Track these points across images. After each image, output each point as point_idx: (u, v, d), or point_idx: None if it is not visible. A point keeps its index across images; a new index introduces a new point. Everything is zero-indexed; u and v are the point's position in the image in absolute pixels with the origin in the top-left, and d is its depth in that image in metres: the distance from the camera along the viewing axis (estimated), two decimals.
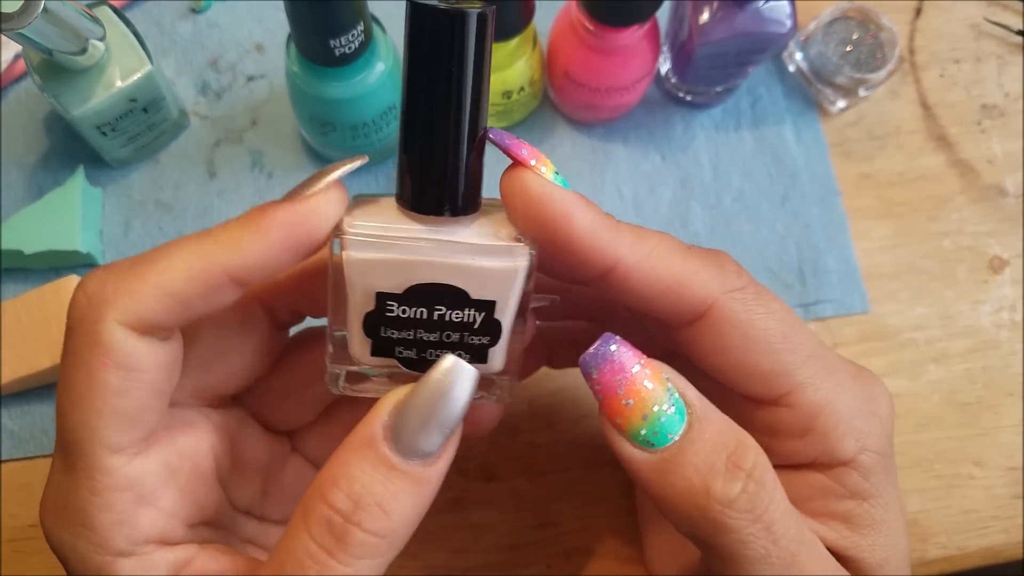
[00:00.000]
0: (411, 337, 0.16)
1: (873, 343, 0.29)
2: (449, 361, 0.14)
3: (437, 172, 0.15)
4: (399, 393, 0.15)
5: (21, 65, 0.30)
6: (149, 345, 0.15)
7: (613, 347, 0.14)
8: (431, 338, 0.16)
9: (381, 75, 0.25)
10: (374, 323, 0.16)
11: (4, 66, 0.29)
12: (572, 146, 0.30)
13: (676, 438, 0.14)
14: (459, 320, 0.16)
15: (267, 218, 0.15)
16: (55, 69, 0.25)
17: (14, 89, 0.30)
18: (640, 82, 0.28)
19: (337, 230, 0.15)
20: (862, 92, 0.31)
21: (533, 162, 0.15)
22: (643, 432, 0.15)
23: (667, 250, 0.16)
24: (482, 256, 0.15)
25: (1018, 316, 0.30)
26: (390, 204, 0.16)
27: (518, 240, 0.16)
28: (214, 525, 0.18)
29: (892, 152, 0.31)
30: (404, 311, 0.16)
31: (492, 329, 0.16)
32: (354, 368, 0.17)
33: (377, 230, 0.15)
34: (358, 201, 0.16)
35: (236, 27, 0.31)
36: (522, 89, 0.28)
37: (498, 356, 0.16)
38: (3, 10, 0.21)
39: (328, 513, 0.14)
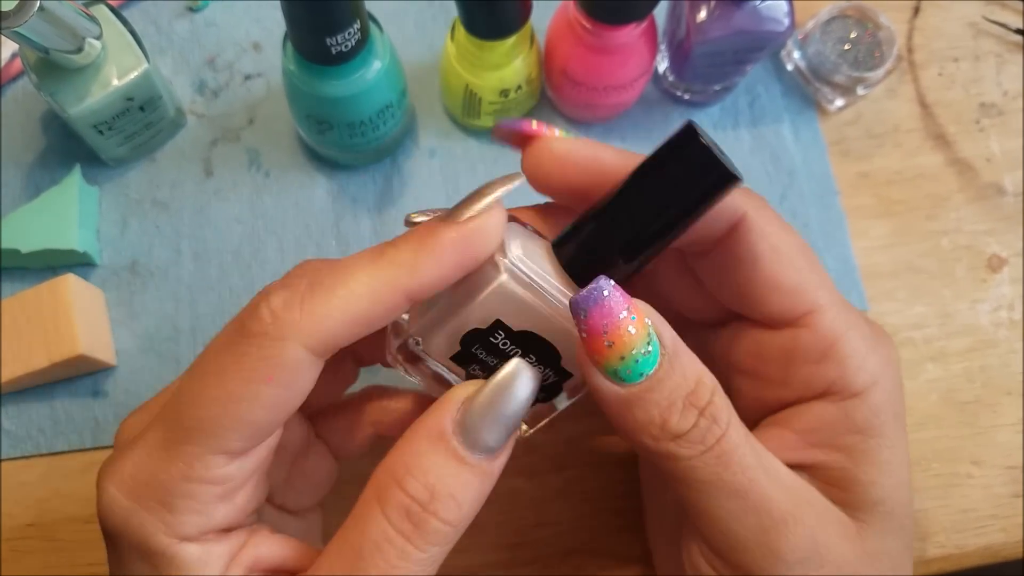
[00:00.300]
0: (492, 363, 0.17)
1: None
2: (514, 364, 0.16)
3: (609, 265, 0.16)
4: (467, 390, 0.16)
5: (18, 64, 0.30)
6: (315, 368, 0.15)
7: (606, 292, 0.15)
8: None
9: (377, 73, 0.25)
10: (474, 339, 0.17)
11: (1, 65, 0.29)
12: None
13: (646, 376, 0.15)
14: (538, 369, 0.17)
15: (440, 241, 0.15)
16: (52, 68, 0.25)
17: (11, 88, 0.30)
18: (638, 81, 0.28)
19: (500, 251, 0.16)
20: (860, 91, 0.31)
21: (545, 130, 0.17)
22: (618, 369, 0.15)
23: None
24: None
25: (1016, 315, 0.30)
26: (547, 249, 0.17)
27: None
28: (259, 510, 0.18)
29: (890, 151, 0.31)
30: (504, 344, 0.17)
31: (553, 391, 0.18)
32: (421, 355, 0.18)
33: (537, 276, 0.16)
34: (514, 226, 0.17)
35: (233, 26, 0.31)
36: (519, 87, 0.28)
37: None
38: (0, 8, 0.21)
39: (406, 501, 0.15)
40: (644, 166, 0.16)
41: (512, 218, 0.17)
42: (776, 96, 0.31)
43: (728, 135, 0.31)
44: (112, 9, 0.26)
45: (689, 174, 0.15)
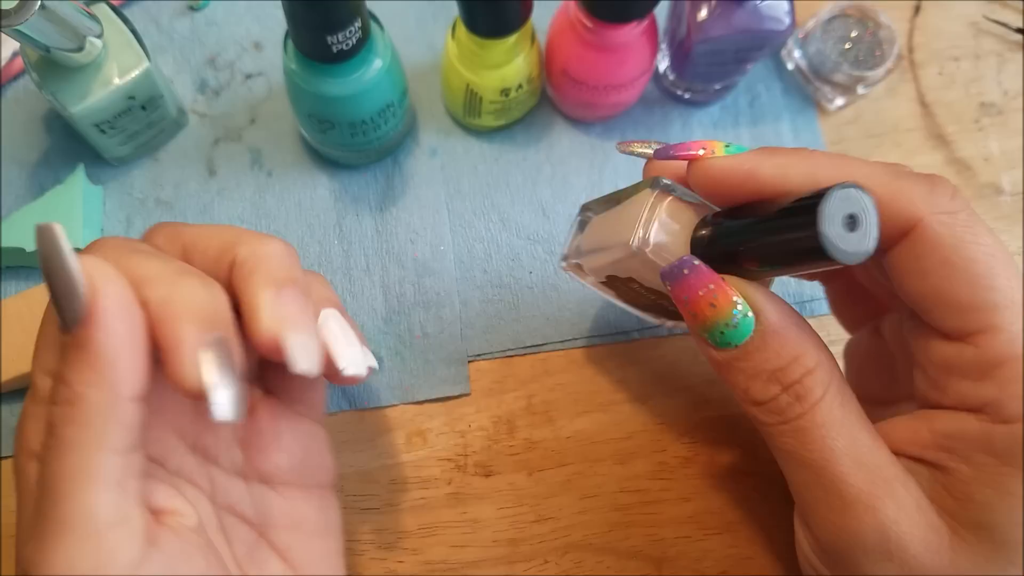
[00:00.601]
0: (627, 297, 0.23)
1: None
2: None
3: (712, 260, 0.18)
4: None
5: (19, 63, 0.30)
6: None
7: (686, 270, 0.17)
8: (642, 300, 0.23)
9: (379, 72, 0.25)
10: (615, 281, 0.22)
11: (2, 63, 0.29)
12: (570, 144, 0.31)
13: (736, 346, 0.17)
14: (672, 309, 0.21)
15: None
16: (53, 66, 0.25)
17: (13, 87, 0.30)
18: (638, 80, 0.28)
19: (643, 226, 0.20)
20: (860, 90, 0.31)
21: (702, 151, 0.18)
22: (706, 336, 0.18)
23: (872, 171, 0.17)
24: None
25: None
26: (686, 221, 0.20)
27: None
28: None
29: (890, 150, 0.32)
30: (639, 288, 0.22)
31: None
32: (582, 273, 0.23)
33: (660, 255, 0.19)
34: (666, 199, 0.20)
35: (234, 25, 0.31)
36: (520, 87, 0.28)
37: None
38: (1, 7, 0.21)
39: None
40: (777, 210, 0.17)
41: (667, 186, 0.20)
42: (776, 95, 0.32)
43: (728, 134, 0.31)
44: (113, 8, 0.26)
45: (794, 241, 0.16)
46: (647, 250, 0.19)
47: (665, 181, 0.20)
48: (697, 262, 0.16)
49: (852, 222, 0.15)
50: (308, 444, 0.21)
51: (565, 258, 0.24)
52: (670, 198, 0.20)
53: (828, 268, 0.16)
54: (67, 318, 0.15)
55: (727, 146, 0.18)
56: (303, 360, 0.17)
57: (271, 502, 0.21)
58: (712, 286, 0.17)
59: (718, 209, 0.19)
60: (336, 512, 0.22)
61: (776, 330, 0.17)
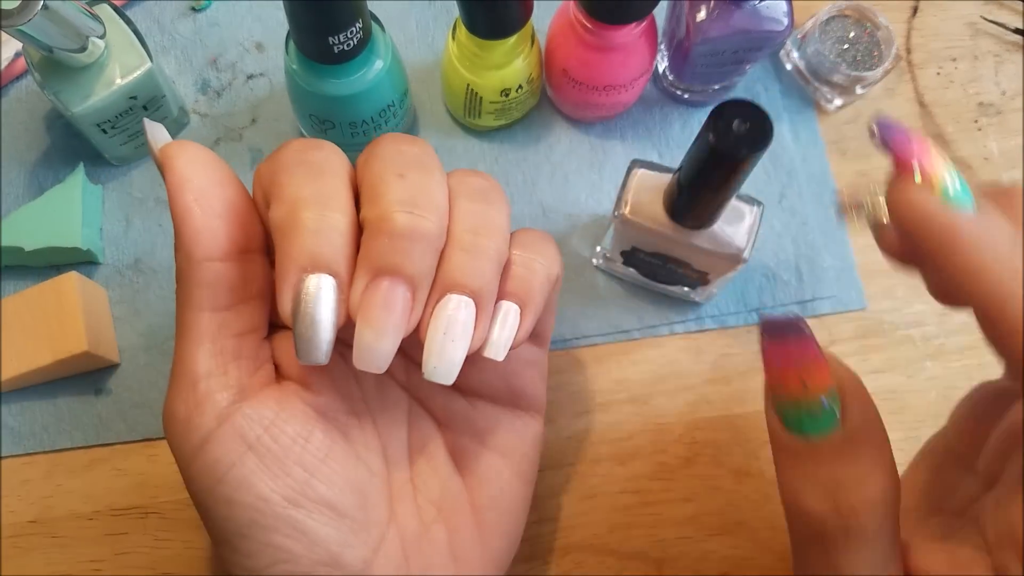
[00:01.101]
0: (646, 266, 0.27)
1: (870, 340, 0.29)
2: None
3: (699, 212, 0.24)
4: None
5: (21, 63, 0.30)
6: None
7: (789, 332, 0.14)
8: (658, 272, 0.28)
9: (379, 72, 0.25)
10: (626, 255, 0.27)
11: (5, 64, 0.29)
12: (570, 144, 0.31)
13: (808, 437, 0.14)
14: (680, 272, 0.27)
15: None
16: (55, 67, 0.25)
17: (15, 87, 0.30)
18: (638, 80, 0.28)
19: (622, 204, 0.25)
20: (859, 90, 0.31)
21: (917, 170, 0.14)
22: (781, 412, 0.14)
23: None
24: (697, 252, 0.25)
25: None
26: (660, 204, 0.24)
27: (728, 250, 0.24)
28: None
29: None
30: (645, 257, 0.27)
31: (701, 283, 0.27)
32: (609, 259, 0.28)
33: (645, 219, 0.25)
34: (642, 173, 0.25)
35: (236, 25, 0.31)
36: (520, 87, 0.28)
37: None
38: (3, 7, 0.21)
39: None
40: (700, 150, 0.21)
41: (644, 163, 0.24)
42: (775, 95, 0.32)
43: None
44: (115, 8, 0.26)
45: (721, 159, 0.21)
46: (626, 212, 0.24)
47: (639, 159, 0.25)
48: (807, 330, 0.13)
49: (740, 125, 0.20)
50: (514, 368, 0.21)
51: (598, 254, 0.28)
52: (642, 170, 0.25)
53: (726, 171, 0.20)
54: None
55: (948, 181, 0.13)
56: (359, 359, 0.17)
57: (456, 405, 0.21)
58: (811, 362, 0.13)
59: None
60: (529, 440, 0.22)
61: (855, 439, 0.14)
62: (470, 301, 0.17)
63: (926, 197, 0.13)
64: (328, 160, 0.17)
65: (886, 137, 0.14)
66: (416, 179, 0.17)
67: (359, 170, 0.18)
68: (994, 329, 0.13)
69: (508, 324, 0.18)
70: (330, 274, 0.16)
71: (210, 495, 0.17)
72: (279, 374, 0.19)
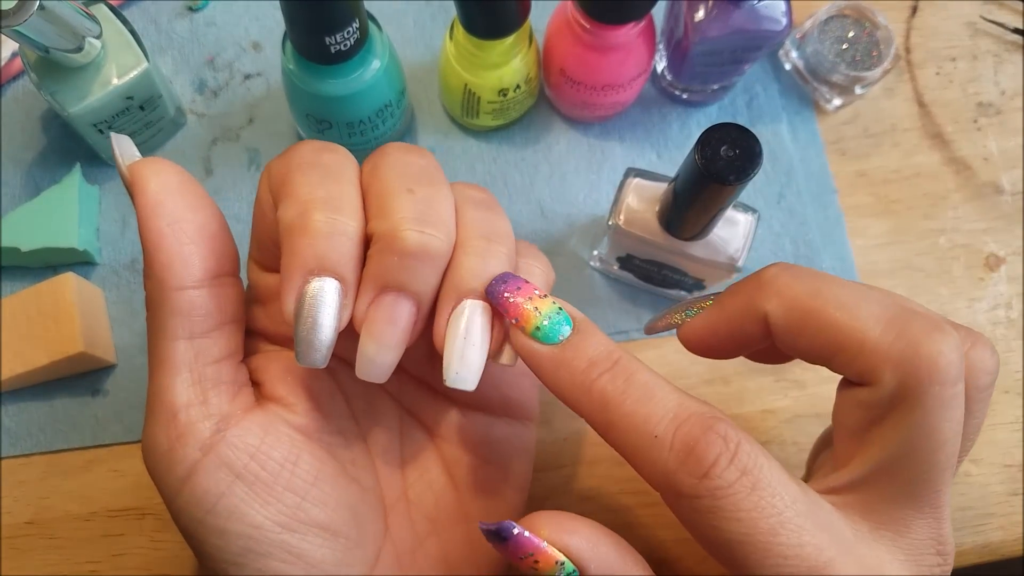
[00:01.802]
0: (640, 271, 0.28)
1: None
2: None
3: (690, 226, 0.24)
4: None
5: (18, 63, 0.30)
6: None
7: (506, 536, 0.16)
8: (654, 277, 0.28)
9: (376, 72, 0.25)
10: (622, 260, 0.27)
11: (1, 64, 0.29)
12: (568, 144, 0.31)
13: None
14: (676, 278, 0.27)
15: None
16: (52, 67, 0.25)
17: (11, 87, 0.30)
18: (636, 80, 0.28)
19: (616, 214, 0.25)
20: (858, 90, 0.31)
21: (516, 319, 0.17)
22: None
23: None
24: (691, 260, 0.25)
25: (1014, 313, 0.30)
26: (654, 214, 0.25)
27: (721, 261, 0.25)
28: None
29: (888, 150, 0.32)
30: (640, 263, 0.27)
31: (698, 288, 0.28)
32: (606, 264, 0.29)
33: (637, 227, 0.25)
34: (638, 183, 0.25)
35: (233, 25, 0.31)
36: (518, 87, 0.28)
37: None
38: (0, 7, 0.21)
39: None
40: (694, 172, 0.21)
41: (639, 172, 0.25)
42: (774, 95, 0.32)
43: None
44: (112, 8, 0.26)
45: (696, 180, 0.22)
46: (620, 222, 0.25)
47: (634, 168, 0.25)
48: (517, 530, 0.16)
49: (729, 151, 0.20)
50: (508, 378, 0.21)
51: (596, 257, 0.28)
52: (637, 179, 0.25)
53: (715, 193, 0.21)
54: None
55: (546, 319, 0.17)
56: (361, 370, 0.17)
57: (451, 418, 0.21)
58: (532, 552, 0.16)
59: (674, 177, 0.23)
60: (521, 448, 0.22)
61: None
62: (485, 306, 0.18)
63: (518, 336, 0.17)
64: (341, 164, 0.18)
65: (490, 295, 0.17)
66: (425, 194, 0.17)
67: (365, 178, 0.18)
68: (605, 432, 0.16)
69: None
70: (336, 278, 0.16)
71: (201, 526, 0.17)
72: (261, 394, 0.19)
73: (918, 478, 0.16)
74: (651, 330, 0.20)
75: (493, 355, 0.18)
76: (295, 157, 0.17)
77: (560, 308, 0.17)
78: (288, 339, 0.20)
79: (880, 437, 0.16)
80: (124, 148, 0.17)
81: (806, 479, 0.19)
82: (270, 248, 0.18)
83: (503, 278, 0.17)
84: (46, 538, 0.26)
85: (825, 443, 0.20)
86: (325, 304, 0.16)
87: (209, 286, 0.17)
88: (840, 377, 0.17)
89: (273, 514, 0.17)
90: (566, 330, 0.16)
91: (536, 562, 0.16)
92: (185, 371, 0.17)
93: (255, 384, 0.19)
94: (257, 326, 0.20)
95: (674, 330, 0.19)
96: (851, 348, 0.16)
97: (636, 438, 0.15)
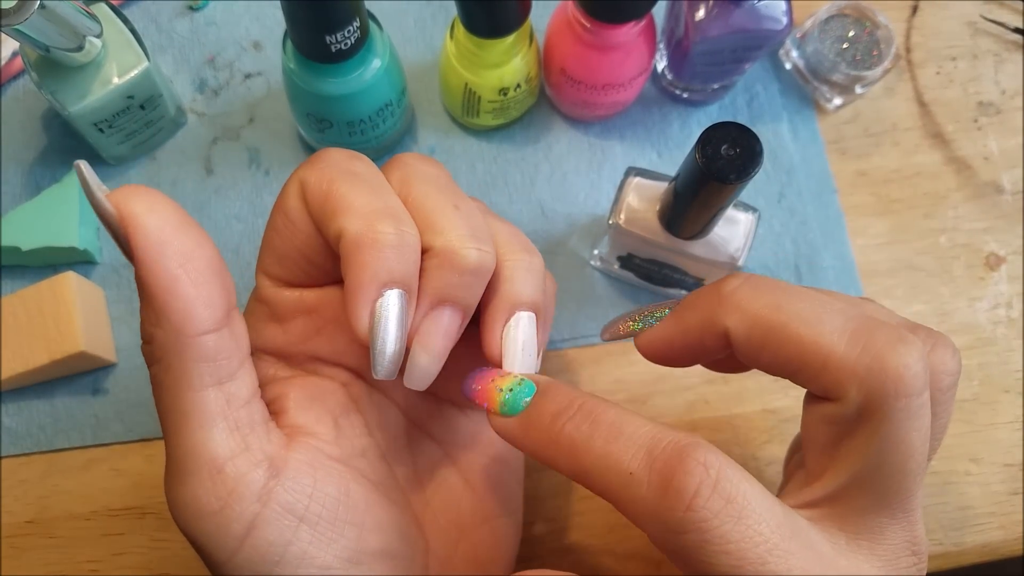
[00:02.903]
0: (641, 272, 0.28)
1: None
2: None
3: (691, 225, 0.24)
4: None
5: (19, 62, 0.30)
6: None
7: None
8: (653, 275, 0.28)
9: (377, 72, 0.25)
10: (622, 260, 0.27)
11: (2, 63, 0.29)
12: (568, 143, 0.31)
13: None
14: (676, 277, 0.27)
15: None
16: (52, 66, 0.25)
17: (12, 86, 0.30)
18: (636, 79, 0.28)
19: (616, 214, 0.25)
20: (858, 89, 0.31)
21: (485, 404, 0.18)
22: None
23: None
24: (692, 259, 0.25)
25: (1014, 313, 0.30)
26: (654, 199, 0.25)
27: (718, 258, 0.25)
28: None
29: (888, 149, 0.32)
30: (640, 262, 0.27)
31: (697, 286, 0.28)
32: (606, 263, 0.28)
33: (638, 227, 0.25)
34: (639, 182, 0.25)
35: (233, 25, 0.31)
36: (518, 86, 0.28)
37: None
38: (1, 6, 0.21)
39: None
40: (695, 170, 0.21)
41: (640, 171, 0.25)
42: (774, 95, 0.32)
43: None
44: (112, 7, 0.26)
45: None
46: (621, 222, 0.25)
47: (634, 167, 0.25)
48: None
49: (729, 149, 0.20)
50: None
51: (596, 256, 0.28)
52: (637, 178, 0.25)
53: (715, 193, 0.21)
54: (124, 252, 0.15)
55: (509, 389, 0.17)
56: (411, 379, 0.18)
57: (457, 423, 0.21)
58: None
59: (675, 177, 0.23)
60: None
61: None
62: (533, 316, 0.18)
63: (492, 419, 0.17)
64: (377, 174, 0.18)
65: (466, 395, 0.18)
66: (468, 210, 0.18)
67: (398, 188, 0.18)
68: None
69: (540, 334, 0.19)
70: (405, 290, 0.17)
71: None
72: (282, 424, 0.18)
73: (890, 488, 0.15)
74: (609, 337, 0.20)
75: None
76: (331, 167, 0.17)
77: (522, 379, 0.17)
78: (306, 356, 0.19)
79: (850, 451, 0.16)
80: (94, 178, 0.15)
81: (782, 483, 0.19)
82: (297, 262, 0.18)
83: (471, 376, 0.18)
84: (46, 537, 0.26)
85: (798, 446, 0.20)
86: (398, 316, 0.16)
87: (228, 324, 0.16)
88: (806, 393, 0.17)
89: (339, 551, 0.17)
90: (528, 399, 0.17)
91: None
92: (220, 421, 0.16)
93: (273, 415, 0.18)
94: (271, 345, 0.19)
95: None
96: (815, 364, 0.15)
97: (613, 478, 0.15)
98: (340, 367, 0.20)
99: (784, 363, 0.16)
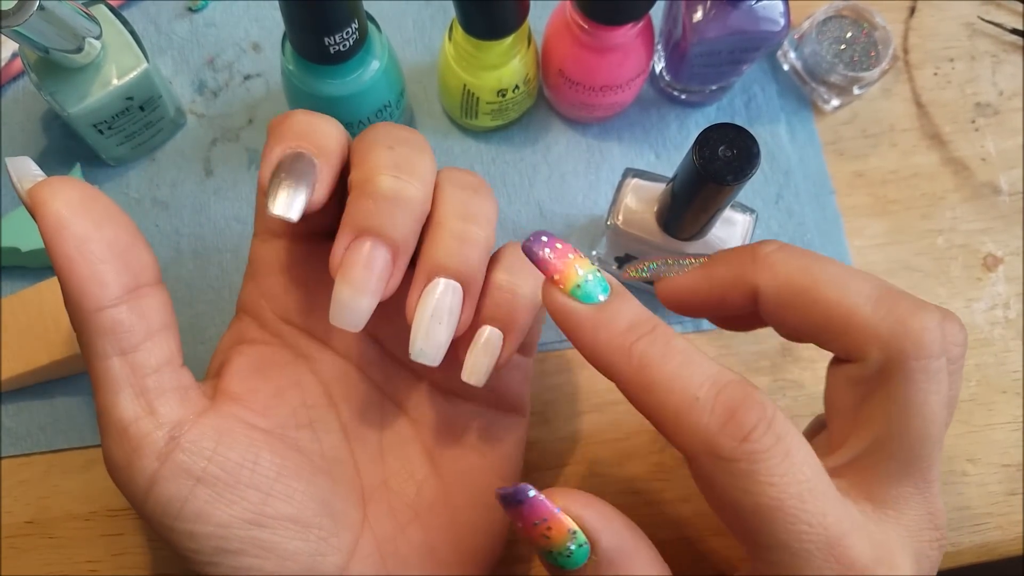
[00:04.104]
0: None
1: None
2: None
3: (688, 226, 0.24)
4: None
5: (18, 63, 0.30)
6: None
7: (521, 500, 0.16)
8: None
9: (376, 73, 0.25)
10: (620, 260, 0.27)
11: (2, 64, 0.29)
12: (567, 144, 0.31)
13: (575, 571, 0.16)
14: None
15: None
16: (52, 67, 0.25)
17: (11, 88, 0.30)
18: (634, 81, 0.28)
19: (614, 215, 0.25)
20: (856, 91, 0.31)
21: (556, 276, 0.17)
22: (547, 560, 0.16)
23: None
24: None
25: (1012, 314, 0.30)
26: (652, 201, 0.25)
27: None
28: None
29: (886, 150, 0.32)
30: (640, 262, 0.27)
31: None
32: (603, 262, 0.28)
33: (636, 228, 0.25)
34: (637, 183, 0.25)
35: (233, 26, 0.31)
36: (517, 87, 0.28)
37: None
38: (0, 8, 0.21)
39: None
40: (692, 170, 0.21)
41: (638, 172, 0.25)
42: (772, 96, 0.32)
43: None
44: (112, 9, 0.26)
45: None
46: (619, 223, 0.25)
47: (632, 168, 0.25)
48: (533, 493, 0.16)
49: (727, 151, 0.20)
50: (498, 371, 0.21)
51: (595, 257, 0.28)
52: (635, 179, 0.25)
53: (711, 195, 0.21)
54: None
55: (584, 279, 0.17)
56: (337, 316, 0.18)
57: (435, 404, 0.21)
58: (546, 519, 0.16)
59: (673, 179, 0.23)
60: (511, 440, 0.22)
61: (613, 562, 0.16)
62: (457, 286, 0.18)
63: (555, 294, 0.16)
64: (328, 124, 0.18)
65: (528, 251, 0.17)
66: (404, 152, 0.18)
67: (351, 147, 0.18)
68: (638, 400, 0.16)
69: (490, 349, 0.19)
70: (313, 152, 0.17)
71: (171, 532, 0.17)
72: (219, 389, 0.19)
73: (912, 453, 0.16)
74: (632, 273, 0.20)
75: (460, 335, 0.18)
76: (295, 113, 0.18)
77: (598, 270, 0.17)
78: (277, 318, 0.20)
79: (872, 414, 0.16)
80: (22, 170, 0.17)
81: None
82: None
83: (539, 236, 0.17)
84: (46, 537, 0.26)
85: (812, 432, 0.20)
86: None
87: (128, 301, 0.17)
88: (831, 359, 0.17)
89: (239, 512, 0.17)
90: (603, 295, 0.16)
91: (549, 528, 0.16)
92: (125, 386, 0.17)
93: (216, 377, 0.19)
94: (246, 303, 0.20)
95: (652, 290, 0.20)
96: (840, 324, 0.16)
97: (677, 399, 0.15)
98: (310, 336, 0.20)
99: (811, 324, 0.17)
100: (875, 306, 0.16)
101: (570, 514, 0.16)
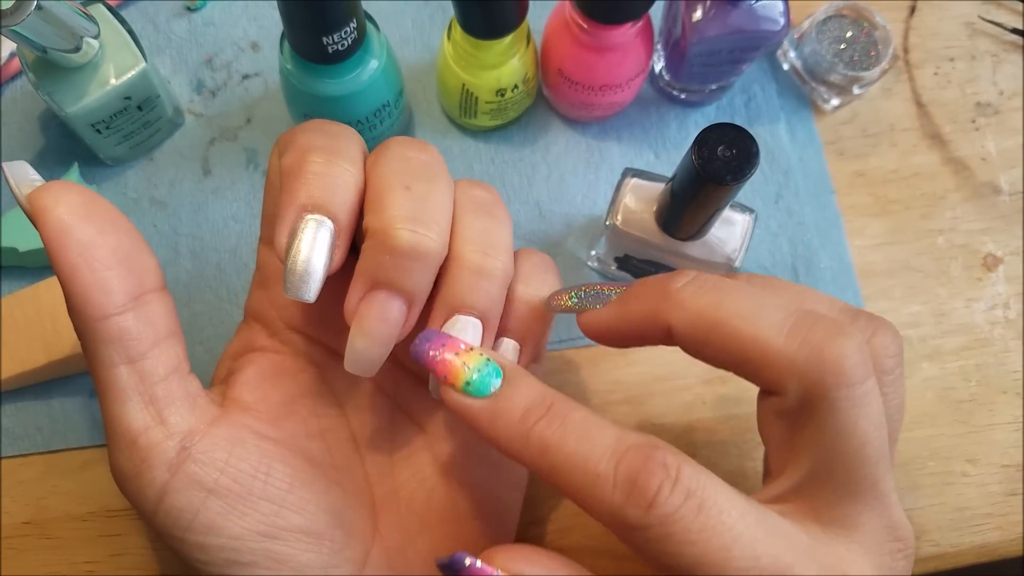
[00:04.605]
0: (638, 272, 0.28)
1: None
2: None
3: (687, 226, 0.24)
4: None
5: (16, 63, 0.30)
6: None
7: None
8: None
9: (374, 72, 0.25)
10: (620, 261, 0.28)
11: (0, 64, 0.29)
12: (566, 144, 0.31)
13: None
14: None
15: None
16: (49, 67, 0.25)
17: (9, 87, 0.30)
18: (634, 80, 0.28)
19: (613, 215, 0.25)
20: (856, 90, 0.31)
21: (446, 376, 0.17)
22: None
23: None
24: (689, 260, 0.25)
25: (1012, 314, 0.30)
26: (651, 200, 0.25)
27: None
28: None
29: (886, 150, 0.32)
30: (638, 263, 0.27)
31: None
32: (602, 263, 0.28)
33: (635, 228, 0.25)
34: (635, 183, 0.25)
35: (231, 25, 0.31)
36: (516, 87, 0.28)
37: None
38: None
39: None
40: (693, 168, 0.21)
41: (637, 172, 0.25)
42: (772, 95, 0.32)
43: None
44: (110, 8, 0.26)
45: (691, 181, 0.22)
46: (618, 222, 0.25)
47: (632, 168, 0.25)
48: (469, 561, 0.16)
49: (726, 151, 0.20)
50: None
51: (593, 257, 0.28)
52: (635, 179, 0.25)
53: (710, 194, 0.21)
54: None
55: (476, 372, 0.17)
56: (349, 363, 0.18)
57: (444, 414, 0.21)
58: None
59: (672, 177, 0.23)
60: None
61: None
62: (477, 322, 0.18)
63: (448, 392, 0.17)
64: (346, 129, 0.18)
65: (415, 354, 0.17)
66: (421, 191, 0.17)
67: (367, 169, 0.18)
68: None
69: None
70: (329, 217, 0.17)
71: (182, 543, 0.17)
72: (229, 397, 0.19)
73: (852, 476, 0.16)
74: (553, 305, 0.20)
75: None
76: (306, 128, 0.18)
77: (488, 359, 0.17)
78: (286, 326, 0.20)
79: (804, 443, 0.16)
80: (19, 175, 0.17)
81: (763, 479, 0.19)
82: (274, 220, 0.18)
83: (427, 336, 0.17)
84: (44, 538, 0.26)
85: None
86: (312, 236, 0.16)
87: (134, 308, 0.17)
88: (759, 391, 0.17)
89: (252, 524, 0.17)
90: (496, 381, 0.16)
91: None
92: (134, 395, 0.17)
93: (225, 385, 0.19)
94: (254, 310, 0.20)
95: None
96: (755, 358, 0.16)
97: (580, 478, 0.15)
98: (320, 345, 0.20)
99: (726, 359, 0.16)
100: (787, 337, 0.16)
101: (512, 574, 0.16)
